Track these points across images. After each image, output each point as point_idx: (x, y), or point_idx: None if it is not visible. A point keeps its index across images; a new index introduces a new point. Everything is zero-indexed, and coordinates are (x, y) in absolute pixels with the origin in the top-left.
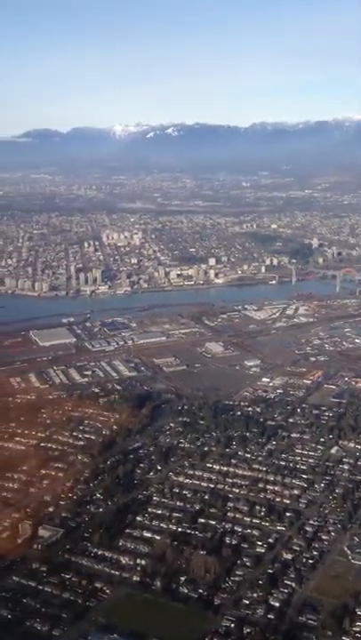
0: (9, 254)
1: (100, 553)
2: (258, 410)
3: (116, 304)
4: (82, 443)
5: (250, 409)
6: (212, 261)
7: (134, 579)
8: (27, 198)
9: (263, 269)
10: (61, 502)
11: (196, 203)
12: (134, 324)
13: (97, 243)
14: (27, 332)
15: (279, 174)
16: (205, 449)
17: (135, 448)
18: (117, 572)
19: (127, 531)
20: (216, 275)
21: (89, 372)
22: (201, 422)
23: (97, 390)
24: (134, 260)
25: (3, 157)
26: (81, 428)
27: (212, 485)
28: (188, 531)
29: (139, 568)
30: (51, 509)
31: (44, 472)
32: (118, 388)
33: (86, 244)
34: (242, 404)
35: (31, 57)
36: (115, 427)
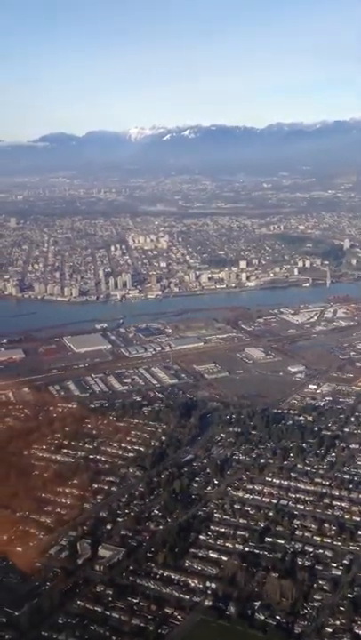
0: (35, 259)
1: (165, 575)
2: (310, 419)
3: (147, 309)
4: (131, 455)
5: (301, 418)
6: (242, 264)
7: (206, 603)
8: (47, 202)
9: (296, 272)
10: (119, 519)
11: (219, 205)
12: (169, 330)
13: (123, 246)
14: (60, 339)
15: (299, 175)
16: (262, 461)
17: (188, 460)
18: (187, 596)
19: (191, 550)
20: (248, 278)
21: (128, 380)
22: (253, 432)
23: (139, 399)
24: (163, 264)
25: (20, 162)
26: (128, 439)
27: (274, 501)
28: (256, 551)
29: (209, 592)
30: (109, 527)
31: (96, 486)
32: (161, 396)
33: (113, 248)
34: (291, 412)
35: (45, 60)
36: (163, 437)
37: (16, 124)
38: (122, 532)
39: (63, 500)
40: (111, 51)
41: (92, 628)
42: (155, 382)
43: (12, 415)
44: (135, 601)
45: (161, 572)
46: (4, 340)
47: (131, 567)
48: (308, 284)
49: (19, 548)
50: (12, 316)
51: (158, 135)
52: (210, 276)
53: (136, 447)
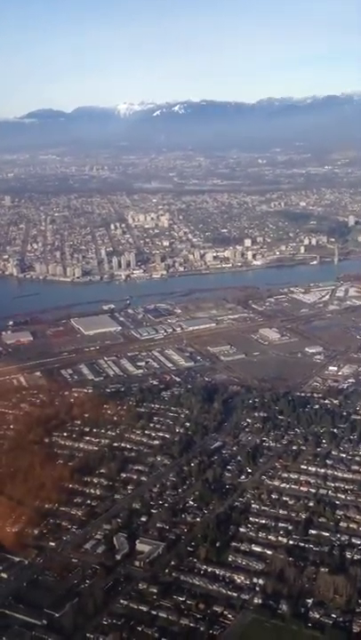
0: (34, 238)
1: (209, 570)
2: (336, 402)
3: (153, 289)
4: (157, 442)
5: (327, 401)
6: (247, 242)
7: (255, 601)
8: (39, 180)
9: (302, 250)
10: (153, 511)
11: (215, 181)
12: (179, 310)
13: (123, 225)
14: (67, 320)
15: (293, 150)
16: (294, 448)
17: (217, 448)
18: (235, 594)
19: (233, 544)
20: (254, 256)
21: (143, 363)
22: (280, 417)
23: (155, 383)
24: (166, 243)
25: (9, 139)
26: (151, 425)
27: (313, 490)
28: (302, 544)
29: (257, 588)
30: (143, 519)
31: (124, 476)
32: (178, 379)
33: (112, 227)
34: (315, 395)
35: (31, 35)
36: (187, 424)
37: (2, 101)
38: (158, 525)
39: (92, 491)
40: (99, 25)
41: (139, 629)
42: (170, 365)
43: (28, 401)
44: (181, 599)
45: (204, 567)
46: (10, 323)
47: (172, 562)
48: (315, 262)
49: (52, 543)
50: (15, 297)
51: (148, 111)
52: (215, 254)
53: (160, 434)
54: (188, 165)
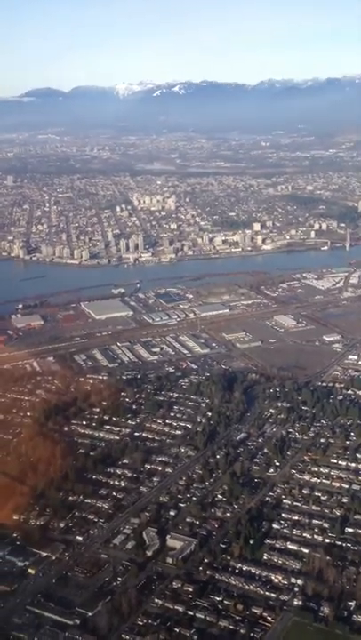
0: (38, 219)
1: (245, 569)
2: (360, 393)
3: (163, 273)
4: (179, 432)
5: (350, 392)
6: (256, 226)
7: (295, 602)
8: (40, 160)
9: (313, 234)
10: (181, 504)
11: (218, 164)
12: (190, 295)
13: (129, 207)
14: (77, 304)
15: (296, 133)
16: (322, 440)
17: (241, 439)
18: (273, 594)
19: (267, 541)
20: (263, 240)
21: (157, 349)
22: (304, 408)
23: (172, 370)
24: (173, 226)
25: (7, 118)
26: (172, 414)
27: (345, 486)
28: (339, 542)
29: (296, 589)
30: (172, 513)
31: (149, 467)
32: (194, 367)
33: (118, 209)
34: (337, 385)
35: (29, 13)
36: (209, 413)
37: (0, 79)
38: (187, 520)
39: (117, 483)
40: (98, 3)
41: (177, 630)
42: (185, 352)
43: (43, 387)
44: (218, 599)
45: (239, 565)
46: (20, 306)
47: (206, 560)
48: (326, 247)
49: (79, 537)
50: (22, 280)
51: (147, 91)
52: (224, 238)
53: (182, 424)
54: (189, 147)
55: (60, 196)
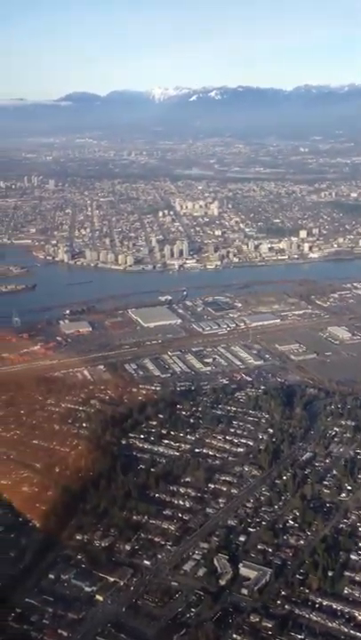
0: (81, 224)
1: (325, 604)
2: None
3: (208, 280)
4: (241, 449)
5: None
6: (302, 234)
7: None
8: (79, 164)
9: None
10: (250, 529)
11: (257, 169)
12: (239, 304)
13: (171, 212)
14: (125, 311)
15: (333, 139)
16: None
17: (308, 459)
18: (359, 633)
19: (346, 573)
20: (310, 248)
21: (210, 360)
22: None
23: (226, 381)
24: (218, 232)
25: (46, 121)
26: (232, 430)
27: None
28: None
29: None
30: (242, 539)
31: (212, 486)
32: (248, 379)
33: (160, 214)
34: None
35: (68, 18)
36: (270, 430)
37: (39, 83)
38: (259, 547)
39: (181, 503)
40: (135, 7)
41: None
42: (238, 363)
43: (97, 397)
44: (300, 637)
45: (319, 600)
46: (67, 311)
47: (283, 592)
48: None
49: (146, 562)
50: (68, 285)
51: (183, 96)
52: (270, 245)
53: (243, 440)
54: (227, 152)
55: (101, 200)
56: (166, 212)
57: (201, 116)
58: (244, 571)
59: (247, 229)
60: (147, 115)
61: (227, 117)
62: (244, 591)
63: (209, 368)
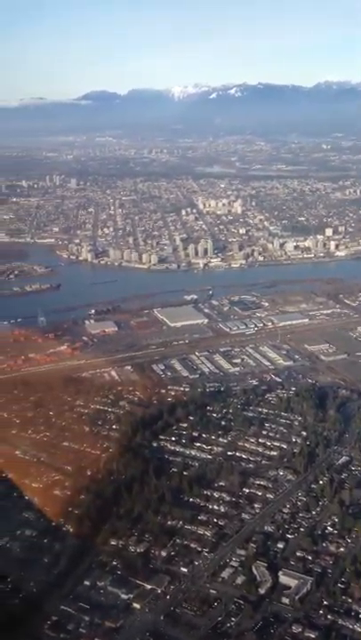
0: (104, 223)
1: None
2: None
3: (234, 279)
4: (274, 453)
5: None
6: (328, 232)
7: None
8: (100, 162)
9: None
10: (288, 536)
11: (279, 167)
12: (266, 303)
13: (194, 210)
14: (150, 311)
15: (356, 136)
16: None
17: (344, 463)
18: None
19: None
20: (337, 247)
21: (238, 361)
22: None
23: (255, 383)
24: (242, 231)
25: (66, 120)
26: (264, 432)
27: None
28: None
29: None
30: (280, 546)
31: (247, 491)
32: (278, 380)
33: (184, 212)
34: None
35: (85, 17)
36: (303, 432)
37: (58, 82)
38: (298, 554)
39: (215, 507)
40: (154, 5)
41: None
42: (267, 364)
43: (125, 398)
44: None
45: None
46: (92, 311)
47: (325, 602)
48: None
49: (183, 569)
50: (92, 284)
51: (203, 93)
52: (295, 244)
53: (276, 443)
54: (248, 150)
55: (123, 199)
56: (189, 210)
57: (221, 113)
58: (283, 579)
59: (272, 227)
60: (166, 113)
61: (247, 115)
62: (285, 600)
63: (238, 369)
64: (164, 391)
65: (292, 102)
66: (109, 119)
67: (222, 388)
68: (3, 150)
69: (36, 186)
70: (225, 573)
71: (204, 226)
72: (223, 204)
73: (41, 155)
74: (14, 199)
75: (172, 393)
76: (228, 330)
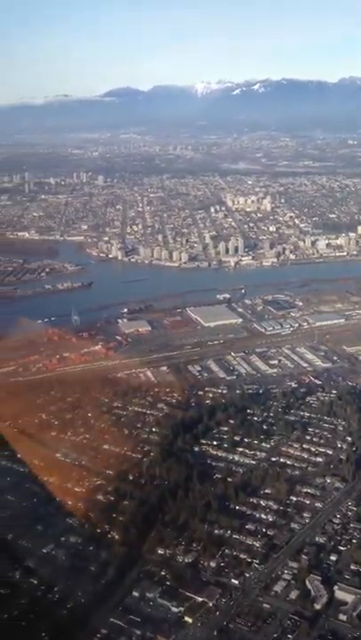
0: (132, 220)
1: None
2: None
3: (266, 277)
4: (320, 459)
5: None
6: (360, 230)
7: None
8: (125, 159)
9: None
10: (341, 548)
11: (306, 163)
12: (300, 303)
13: (223, 207)
14: (183, 310)
15: None
16: None
17: None
18: None
19: None
20: None
21: (275, 362)
22: None
23: (295, 385)
24: (272, 228)
25: (90, 117)
26: (308, 437)
27: None
28: None
29: None
30: (333, 558)
31: (295, 499)
32: (318, 382)
33: (212, 210)
34: None
35: (109, 13)
36: (349, 438)
37: (82, 79)
38: (352, 568)
39: (263, 516)
40: (175, 3)
41: None
42: (305, 365)
43: (163, 400)
44: None
45: None
46: (125, 310)
47: None
48: None
49: (234, 581)
50: (123, 282)
51: (226, 89)
52: (327, 242)
53: (321, 449)
54: (274, 146)
55: (151, 196)
56: (218, 207)
57: (245, 109)
58: (339, 594)
59: (302, 225)
60: (190, 109)
61: (271, 110)
62: (343, 617)
63: (275, 370)
64: (201, 393)
65: (316, 98)
66: (133, 116)
67: (261, 391)
68: (29, 147)
69: (63, 183)
70: (277, 587)
71: (233, 223)
72: (252, 201)
73: (67, 152)
74: (43, 196)
75: (210, 395)
76: (263, 330)
